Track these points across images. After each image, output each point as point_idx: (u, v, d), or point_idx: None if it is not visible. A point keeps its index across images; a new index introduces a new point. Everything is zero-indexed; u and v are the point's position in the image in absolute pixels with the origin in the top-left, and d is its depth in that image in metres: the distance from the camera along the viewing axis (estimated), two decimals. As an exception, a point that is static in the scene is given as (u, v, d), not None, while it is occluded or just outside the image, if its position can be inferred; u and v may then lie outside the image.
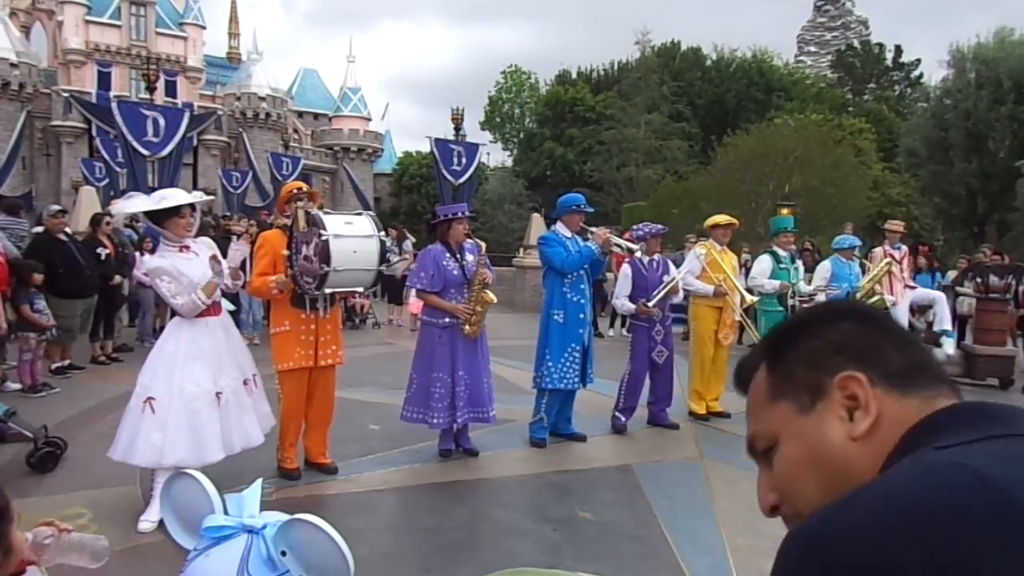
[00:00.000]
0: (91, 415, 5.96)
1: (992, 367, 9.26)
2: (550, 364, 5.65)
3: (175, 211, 4.06)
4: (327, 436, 4.92)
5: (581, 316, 5.67)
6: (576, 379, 5.68)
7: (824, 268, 8.16)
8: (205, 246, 4.31)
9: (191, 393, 3.90)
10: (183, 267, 4.00)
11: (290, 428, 4.71)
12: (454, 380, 5.09)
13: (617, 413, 6.21)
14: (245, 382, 4.23)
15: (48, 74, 40.39)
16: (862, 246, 9.01)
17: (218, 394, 4.01)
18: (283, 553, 1.11)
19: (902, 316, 9.01)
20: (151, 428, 3.84)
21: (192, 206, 4.14)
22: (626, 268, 6.24)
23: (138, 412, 3.89)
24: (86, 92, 37.14)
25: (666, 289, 6.15)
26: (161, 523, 3.77)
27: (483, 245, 5.38)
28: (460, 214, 5.27)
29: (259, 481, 1.24)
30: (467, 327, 5.10)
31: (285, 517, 1.16)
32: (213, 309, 4.16)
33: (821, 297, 7.70)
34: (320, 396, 4.78)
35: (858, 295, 7.89)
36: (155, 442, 3.82)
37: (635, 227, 6.70)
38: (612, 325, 12.87)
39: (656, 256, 6.40)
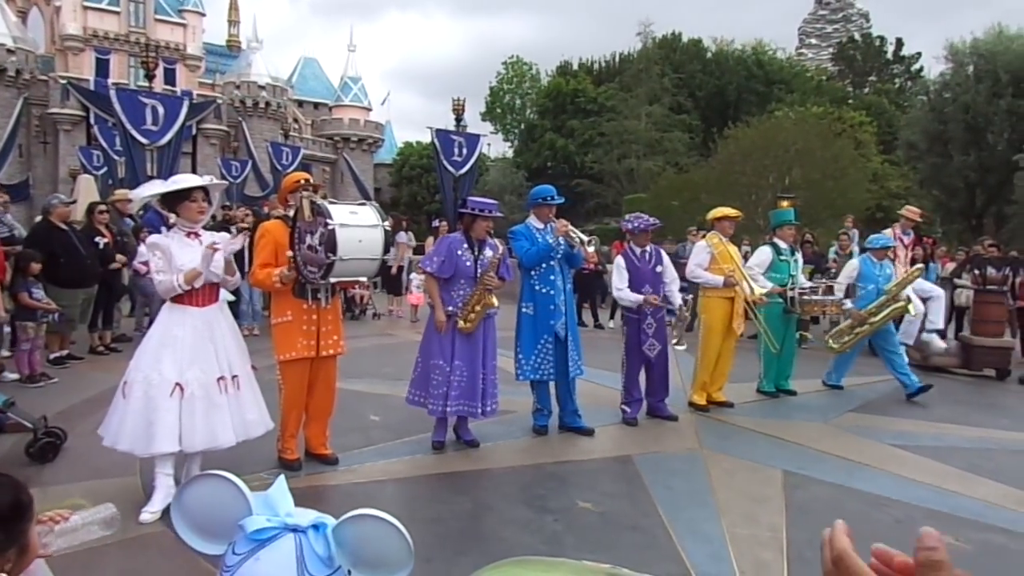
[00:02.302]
0: (90, 405, 5.96)
1: (989, 358, 9.30)
2: (521, 357, 5.69)
3: (186, 195, 4.06)
4: (328, 427, 4.92)
5: (551, 307, 5.61)
6: (551, 370, 5.67)
7: (852, 266, 7.98)
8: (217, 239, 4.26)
9: (153, 381, 3.87)
10: (177, 250, 4.00)
11: (291, 418, 4.71)
12: (451, 369, 5.10)
13: (624, 407, 6.23)
14: (221, 378, 4.02)
15: (45, 60, 40.19)
16: (860, 240, 8.97)
17: (179, 385, 3.88)
18: None
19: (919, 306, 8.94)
20: (120, 411, 3.92)
21: (205, 192, 4.13)
22: (619, 259, 6.22)
23: (119, 394, 3.98)
24: (84, 79, 36.95)
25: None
26: (164, 514, 3.80)
27: (502, 248, 5.38)
28: (488, 212, 5.23)
29: (282, 478, 1.23)
30: (461, 322, 5.12)
31: (318, 513, 1.16)
32: (196, 299, 4.07)
33: (847, 302, 7.60)
34: (321, 387, 4.77)
35: (884, 298, 7.61)
36: (117, 425, 3.91)
37: (626, 218, 6.61)
38: (612, 316, 12.87)
39: (648, 247, 6.37)
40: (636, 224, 6.32)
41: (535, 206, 5.82)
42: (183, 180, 4.18)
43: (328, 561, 1.10)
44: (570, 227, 5.61)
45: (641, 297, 6.10)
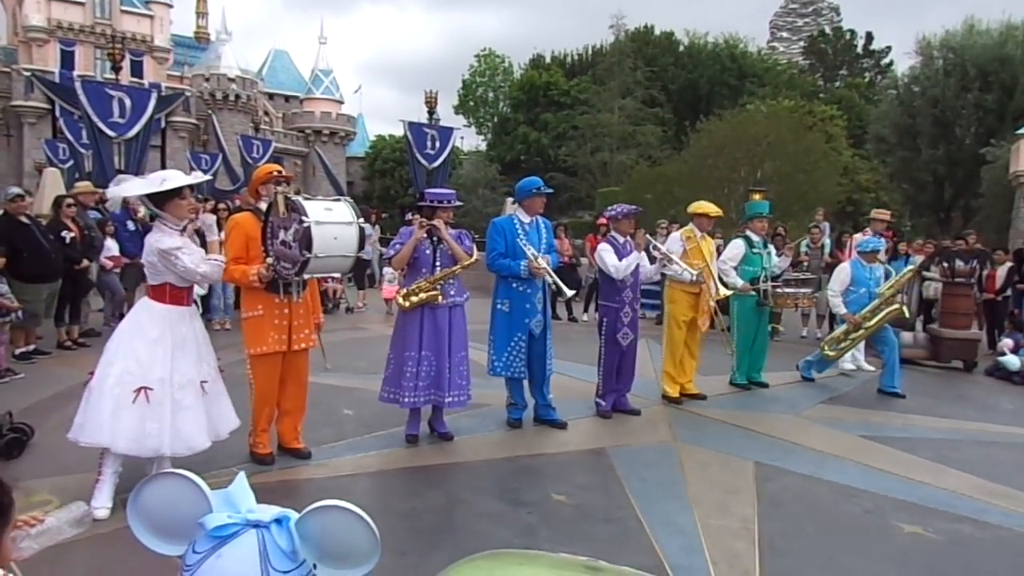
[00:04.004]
0: (58, 401, 5.85)
1: (957, 350, 9.46)
2: (493, 354, 5.69)
3: (177, 193, 3.98)
4: (300, 421, 4.87)
5: (527, 306, 5.60)
6: (522, 368, 5.66)
7: (843, 271, 7.83)
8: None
9: (178, 383, 3.87)
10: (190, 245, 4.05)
11: (262, 413, 4.65)
12: (420, 359, 5.07)
13: (598, 399, 6.24)
14: (204, 382, 4.08)
15: (8, 52, 39.38)
16: (832, 233, 9.00)
17: (203, 383, 4.00)
18: None
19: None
20: (145, 417, 3.77)
21: (192, 187, 4.10)
22: (605, 245, 6.18)
23: (125, 399, 3.77)
24: (49, 71, 36.20)
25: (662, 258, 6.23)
26: (122, 508, 3.73)
27: (474, 258, 5.31)
28: (446, 202, 5.20)
29: (242, 474, 1.21)
30: (400, 299, 5.11)
31: (280, 509, 1.13)
32: (186, 299, 4.10)
33: (839, 304, 7.60)
34: (293, 381, 4.72)
35: (877, 302, 7.55)
36: (149, 431, 3.77)
37: (608, 208, 6.62)
38: (586, 309, 12.90)
39: (628, 238, 6.37)
40: (618, 210, 6.32)
41: (527, 198, 5.77)
42: (172, 179, 4.06)
43: (292, 555, 1.08)
44: (549, 271, 5.53)
45: (632, 258, 6.03)
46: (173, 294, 4.01)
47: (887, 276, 7.88)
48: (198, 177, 4.19)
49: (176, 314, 4.01)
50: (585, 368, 6.92)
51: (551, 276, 5.52)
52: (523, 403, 5.84)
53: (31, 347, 7.72)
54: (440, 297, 5.07)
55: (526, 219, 5.74)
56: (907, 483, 4.83)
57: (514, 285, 5.65)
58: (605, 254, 6.13)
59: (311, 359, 4.95)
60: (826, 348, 7.83)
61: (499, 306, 5.72)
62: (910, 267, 8.38)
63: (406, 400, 5.09)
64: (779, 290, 7.64)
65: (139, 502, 1.18)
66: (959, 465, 5.25)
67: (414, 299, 5.05)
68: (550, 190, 5.85)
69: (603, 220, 7.32)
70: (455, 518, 4.03)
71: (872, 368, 8.64)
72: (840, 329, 7.81)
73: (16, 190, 7.87)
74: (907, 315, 7.95)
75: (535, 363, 5.73)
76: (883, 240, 8.31)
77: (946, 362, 9.48)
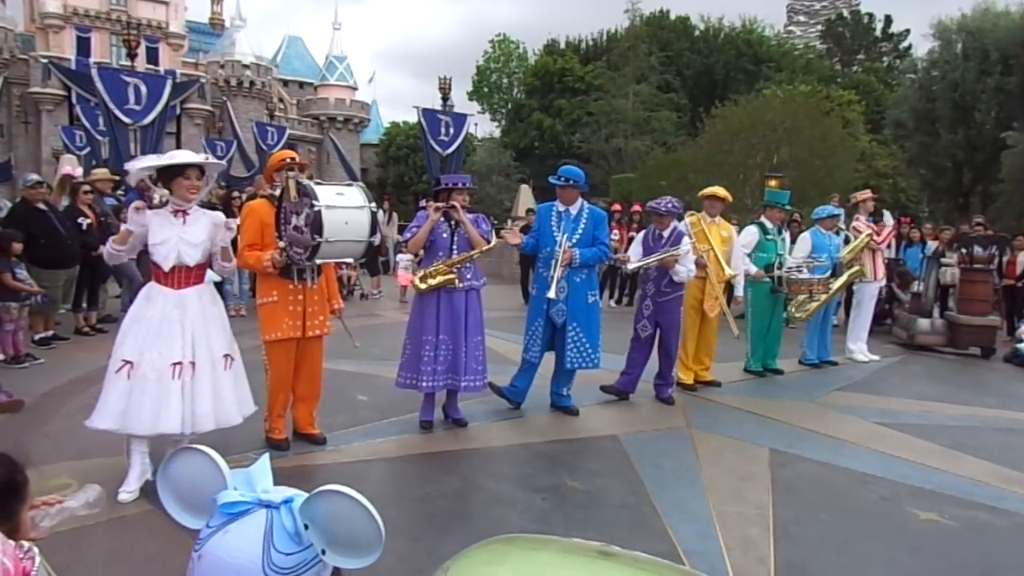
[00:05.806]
0: (76, 386, 5.92)
1: (974, 337, 9.38)
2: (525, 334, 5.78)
3: (180, 172, 3.95)
4: (316, 407, 4.90)
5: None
6: (537, 353, 5.69)
7: (804, 240, 8.00)
8: (208, 219, 4.12)
9: (117, 357, 3.83)
10: (157, 228, 3.89)
11: (278, 399, 4.68)
12: (438, 343, 5.09)
13: (622, 374, 6.34)
14: (177, 363, 3.82)
15: (25, 39, 39.59)
16: (843, 216, 8.89)
17: (128, 363, 3.76)
18: (305, 527, 1.09)
19: (874, 291, 8.91)
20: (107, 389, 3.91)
21: (201, 170, 4.01)
22: (639, 237, 6.36)
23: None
24: (65, 58, 36.47)
25: (655, 259, 6.13)
26: (143, 492, 3.79)
27: (493, 243, 5.30)
28: (460, 185, 5.24)
29: (266, 456, 1.22)
30: (418, 280, 5.13)
31: (296, 492, 1.14)
32: (170, 280, 3.94)
33: (804, 270, 7.65)
34: (308, 367, 4.74)
35: (841, 265, 7.90)
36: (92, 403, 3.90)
37: (655, 200, 6.48)
38: (600, 297, 12.87)
39: (668, 232, 6.26)
40: (662, 207, 6.31)
41: (556, 187, 5.83)
42: (179, 156, 4.06)
43: (296, 538, 1.09)
44: (556, 263, 5.49)
45: (637, 264, 6.13)
46: (154, 271, 4.00)
47: (846, 242, 8.41)
48: (200, 157, 4.04)
49: (153, 291, 3.97)
50: (604, 356, 6.90)
51: (554, 268, 5.47)
52: (518, 387, 5.81)
53: (50, 332, 7.80)
54: (457, 281, 5.08)
55: (561, 208, 5.76)
56: (923, 470, 4.81)
57: (541, 270, 5.71)
58: (634, 246, 6.38)
59: (330, 344, 4.98)
60: (794, 311, 7.84)
61: (531, 290, 5.87)
62: (867, 233, 8.43)
63: (425, 384, 5.10)
64: (793, 276, 7.59)
65: (168, 473, 1.20)
66: (976, 452, 5.21)
67: (431, 282, 5.06)
68: (557, 181, 5.76)
69: (637, 207, 7.30)
70: (469, 504, 4.05)
71: (877, 357, 8.62)
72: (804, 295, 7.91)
73: (35, 177, 7.94)
74: (867, 277, 8.60)
75: (558, 353, 5.75)
76: (836, 210, 8.50)
77: (964, 349, 9.41)
